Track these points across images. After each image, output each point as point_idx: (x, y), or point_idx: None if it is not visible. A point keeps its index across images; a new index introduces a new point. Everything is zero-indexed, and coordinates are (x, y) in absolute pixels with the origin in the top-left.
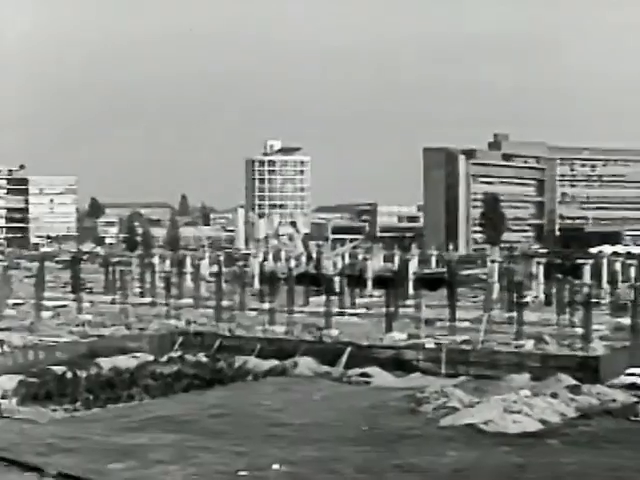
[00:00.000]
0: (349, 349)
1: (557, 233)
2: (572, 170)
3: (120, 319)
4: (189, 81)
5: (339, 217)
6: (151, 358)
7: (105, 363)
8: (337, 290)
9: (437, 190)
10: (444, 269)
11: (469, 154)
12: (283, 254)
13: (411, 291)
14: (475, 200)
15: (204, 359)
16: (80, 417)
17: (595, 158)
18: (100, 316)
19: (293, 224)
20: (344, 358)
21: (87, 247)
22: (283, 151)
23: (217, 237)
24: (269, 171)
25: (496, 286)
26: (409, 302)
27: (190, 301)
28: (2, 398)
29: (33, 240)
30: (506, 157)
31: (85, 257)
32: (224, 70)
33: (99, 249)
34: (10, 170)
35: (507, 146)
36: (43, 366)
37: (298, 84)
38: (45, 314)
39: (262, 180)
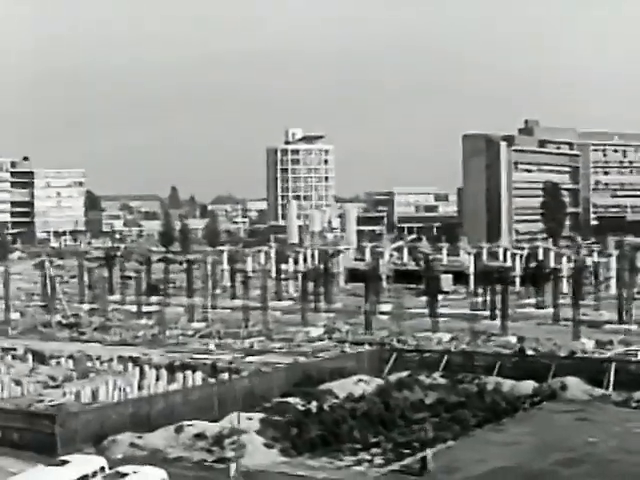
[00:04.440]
0: (613, 366)
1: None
2: (605, 156)
3: (240, 326)
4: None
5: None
6: (380, 382)
7: (338, 390)
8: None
9: (477, 178)
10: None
11: (509, 140)
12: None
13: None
14: (516, 189)
15: (441, 380)
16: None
17: (626, 144)
18: (219, 323)
19: (342, 216)
20: (611, 377)
21: (99, 242)
22: (306, 139)
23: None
24: (292, 160)
25: (613, 282)
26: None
27: (290, 303)
28: (266, 447)
29: (39, 235)
30: (540, 143)
31: (119, 254)
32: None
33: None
34: (13, 162)
35: (538, 132)
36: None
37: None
38: (141, 322)
39: (285, 170)
